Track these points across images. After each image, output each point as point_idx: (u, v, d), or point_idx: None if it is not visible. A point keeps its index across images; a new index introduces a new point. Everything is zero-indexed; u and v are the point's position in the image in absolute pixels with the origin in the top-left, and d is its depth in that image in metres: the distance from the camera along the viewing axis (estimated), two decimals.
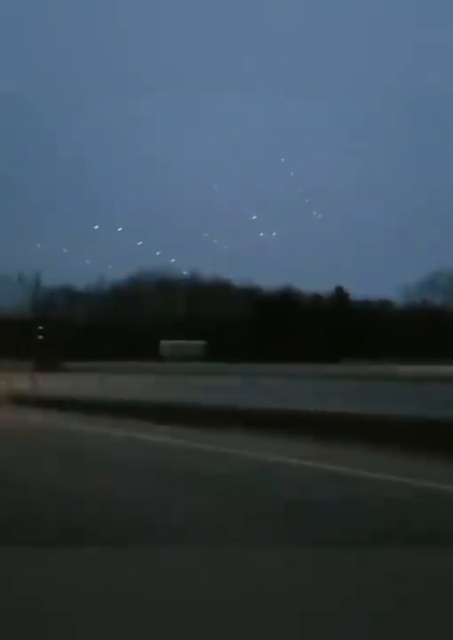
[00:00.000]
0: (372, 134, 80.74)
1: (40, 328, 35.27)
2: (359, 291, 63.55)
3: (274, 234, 76.78)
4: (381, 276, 74.86)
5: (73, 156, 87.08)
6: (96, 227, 75.54)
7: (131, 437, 11.21)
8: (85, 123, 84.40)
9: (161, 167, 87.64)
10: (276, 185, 79.97)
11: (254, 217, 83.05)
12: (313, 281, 63.94)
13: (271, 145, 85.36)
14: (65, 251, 78.68)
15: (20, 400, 19.25)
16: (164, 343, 60.16)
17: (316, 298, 65.09)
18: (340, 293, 64.86)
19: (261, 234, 78.70)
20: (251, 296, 66.05)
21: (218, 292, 66.67)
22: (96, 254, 75.44)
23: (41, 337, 35.14)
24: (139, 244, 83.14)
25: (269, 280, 67.25)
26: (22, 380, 23.98)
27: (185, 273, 68.49)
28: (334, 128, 77.92)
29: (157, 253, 77.47)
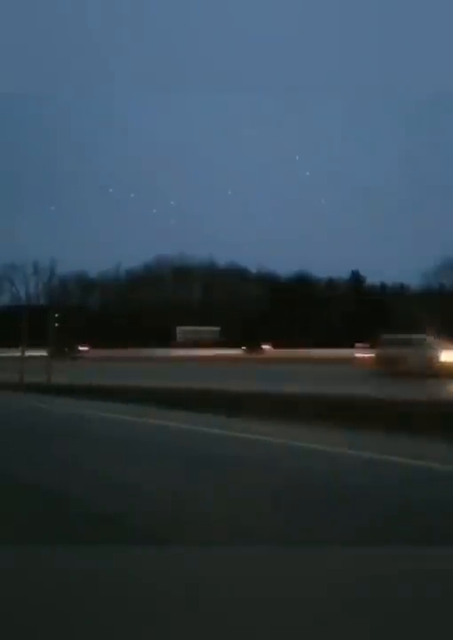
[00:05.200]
0: (390, 119, 79.52)
1: (56, 315, 35.36)
2: (376, 275, 63.04)
3: (289, 220, 76.16)
4: (398, 261, 74.07)
5: (89, 146, 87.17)
6: (112, 214, 75.61)
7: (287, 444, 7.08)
8: (102, 114, 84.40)
9: (177, 156, 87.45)
10: (291, 172, 79.31)
11: (270, 203, 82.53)
12: (329, 266, 63.49)
13: (286, 135, 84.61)
14: (80, 239, 79.12)
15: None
16: (180, 329, 60.34)
17: (331, 282, 64.68)
18: (356, 278, 64.37)
19: (277, 220, 78.17)
20: (267, 282, 65.74)
21: (234, 278, 66.46)
22: (112, 241, 75.73)
23: (56, 324, 35.29)
24: (155, 230, 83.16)
25: (285, 266, 66.96)
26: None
27: (201, 259, 68.35)
28: (350, 115, 76.93)
29: (173, 240, 77.64)
